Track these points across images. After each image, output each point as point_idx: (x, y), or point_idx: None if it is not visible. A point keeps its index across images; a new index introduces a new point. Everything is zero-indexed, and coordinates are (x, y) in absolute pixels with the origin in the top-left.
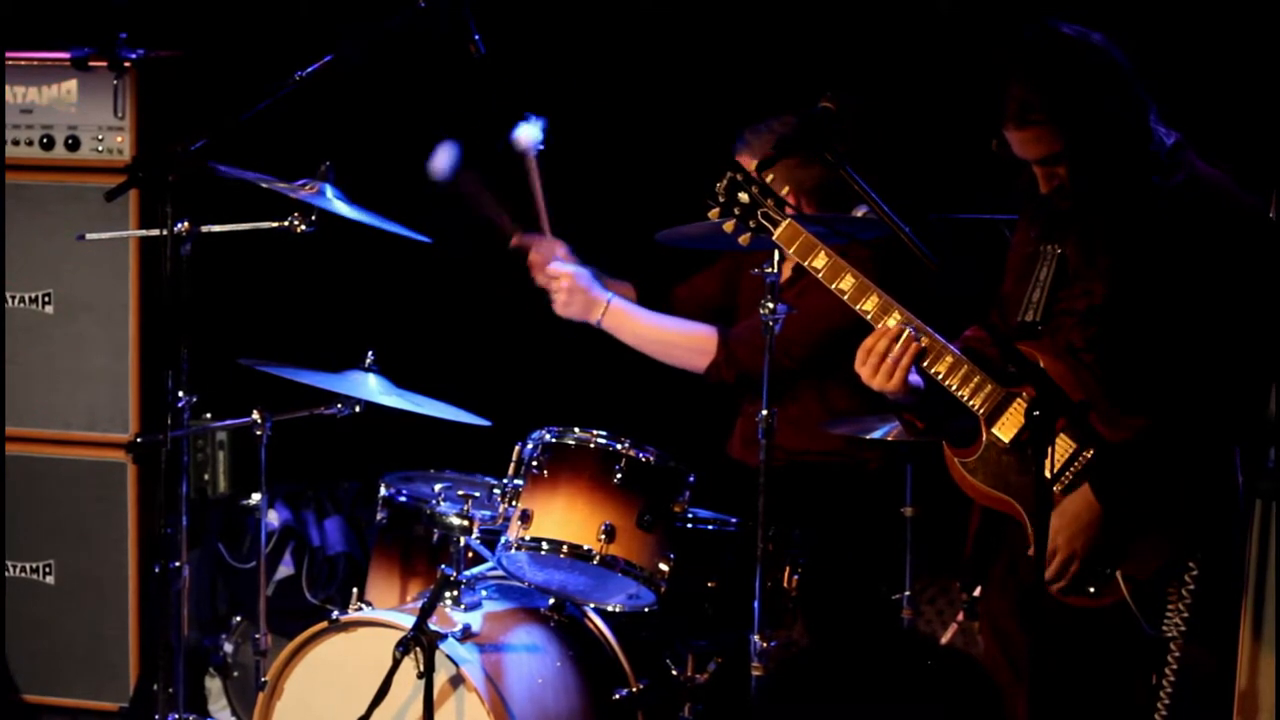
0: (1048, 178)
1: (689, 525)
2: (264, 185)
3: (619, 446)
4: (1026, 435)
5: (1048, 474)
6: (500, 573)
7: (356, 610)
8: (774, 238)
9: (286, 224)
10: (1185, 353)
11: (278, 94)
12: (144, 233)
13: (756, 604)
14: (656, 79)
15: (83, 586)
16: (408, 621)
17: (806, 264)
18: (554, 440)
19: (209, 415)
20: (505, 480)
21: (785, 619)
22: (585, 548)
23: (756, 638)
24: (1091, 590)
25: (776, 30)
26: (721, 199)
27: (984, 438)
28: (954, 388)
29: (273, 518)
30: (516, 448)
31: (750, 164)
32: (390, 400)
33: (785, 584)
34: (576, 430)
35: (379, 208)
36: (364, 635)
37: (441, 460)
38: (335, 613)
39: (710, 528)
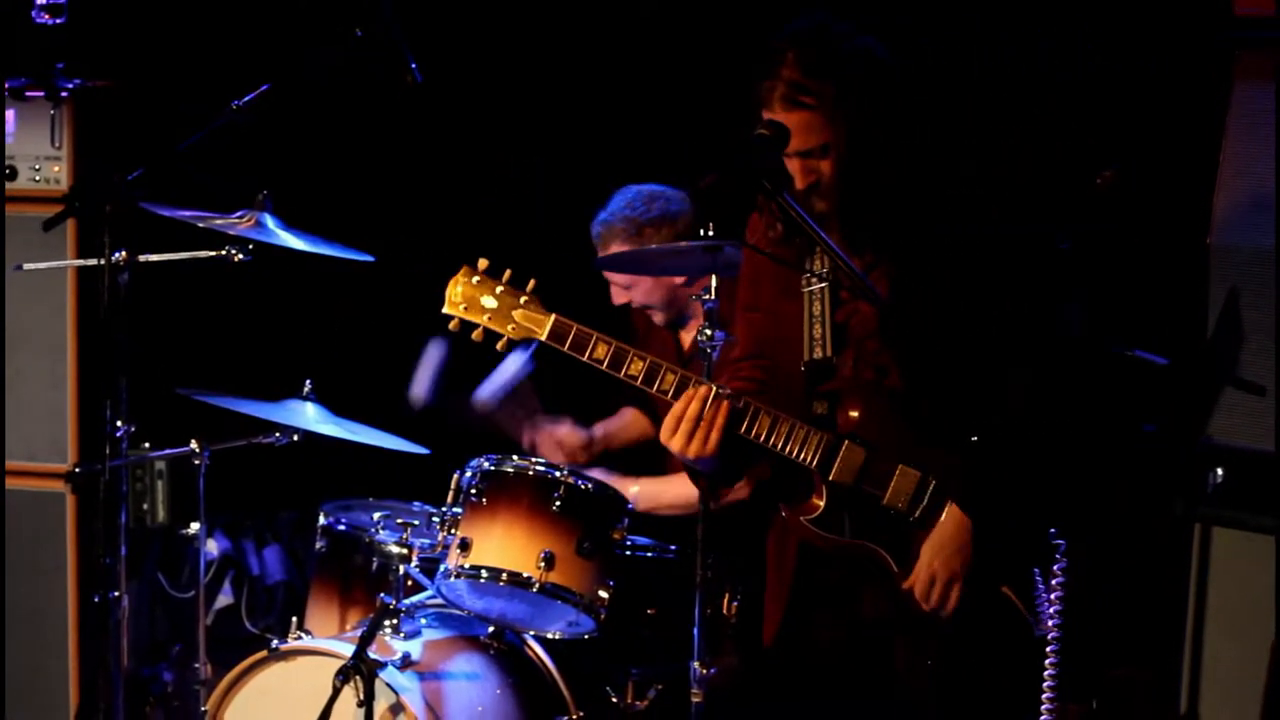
0: (806, 172)
1: (628, 552)
2: (200, 224)
3: (557, 474)
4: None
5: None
6: (440, 601)
7: (296, 639)
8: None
9: (223, 253)
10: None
11: (215, 123)
12: (82, 262)
13: (696, 631)
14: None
15: (22, 617)
16: (347, 650)
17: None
18: (492, 468)
19: (147, 445)
20: (444, 508)
21: (723, 646)
22: (525, 575)
23: (696, 664)
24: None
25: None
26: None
27: (823, 489)
28: (779, 446)
29: (212, 547)
30: (455, 475)
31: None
32: (328, 429)
33: (725, 611)
34: (515, 458)
35: (318, 231)
36: (304, 664)
37: (380, 489)
38: (275, 641)
39: (649, 555)
